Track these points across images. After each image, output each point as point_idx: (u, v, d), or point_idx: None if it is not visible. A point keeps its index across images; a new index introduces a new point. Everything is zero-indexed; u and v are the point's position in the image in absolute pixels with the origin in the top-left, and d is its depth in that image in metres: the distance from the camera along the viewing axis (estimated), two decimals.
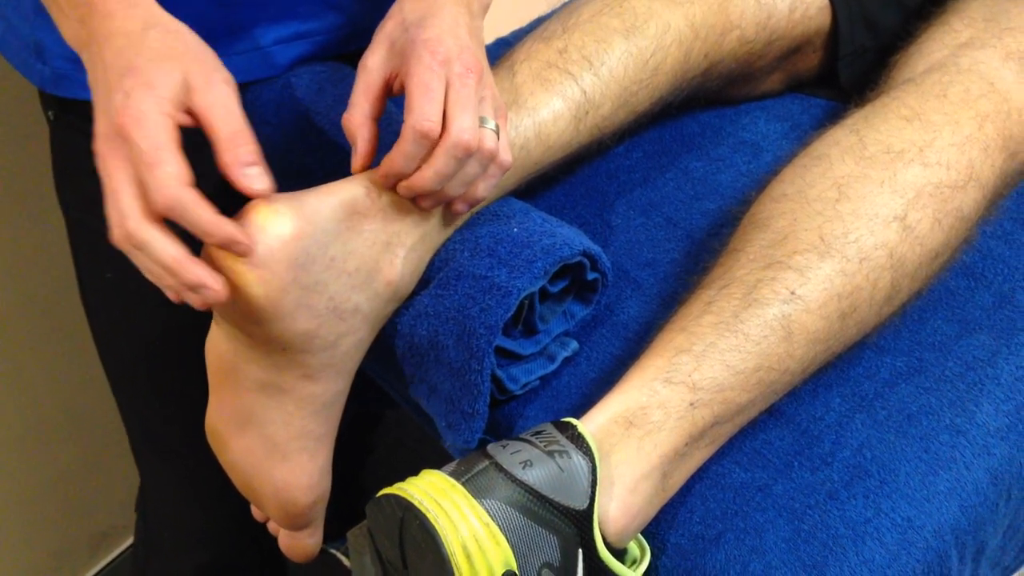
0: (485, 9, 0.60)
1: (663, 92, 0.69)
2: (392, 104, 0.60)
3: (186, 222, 0.48)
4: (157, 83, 0.49)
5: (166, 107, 0.48)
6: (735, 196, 0.72)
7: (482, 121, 0.54)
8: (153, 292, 0.51)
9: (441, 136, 0.53)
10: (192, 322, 0.59)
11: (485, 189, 0.57)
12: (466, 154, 0.53)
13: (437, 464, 0.52)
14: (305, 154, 0.68)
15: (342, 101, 0.58)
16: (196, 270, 0.48)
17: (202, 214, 0.48)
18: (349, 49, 0.74)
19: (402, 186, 0.55)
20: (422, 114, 0.52)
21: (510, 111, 0.62)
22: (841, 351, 0.60)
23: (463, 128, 0.53)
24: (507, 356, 0.60)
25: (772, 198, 0.62)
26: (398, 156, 0.54)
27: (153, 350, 0.76)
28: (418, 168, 0.54)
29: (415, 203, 0.56)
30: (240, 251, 0.50)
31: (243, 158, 0.49)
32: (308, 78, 0.71)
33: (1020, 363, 0.61)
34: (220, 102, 0.50)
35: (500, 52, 0.72)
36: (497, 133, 0.55)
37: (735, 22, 0.71)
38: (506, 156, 0.56)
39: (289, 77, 0.71)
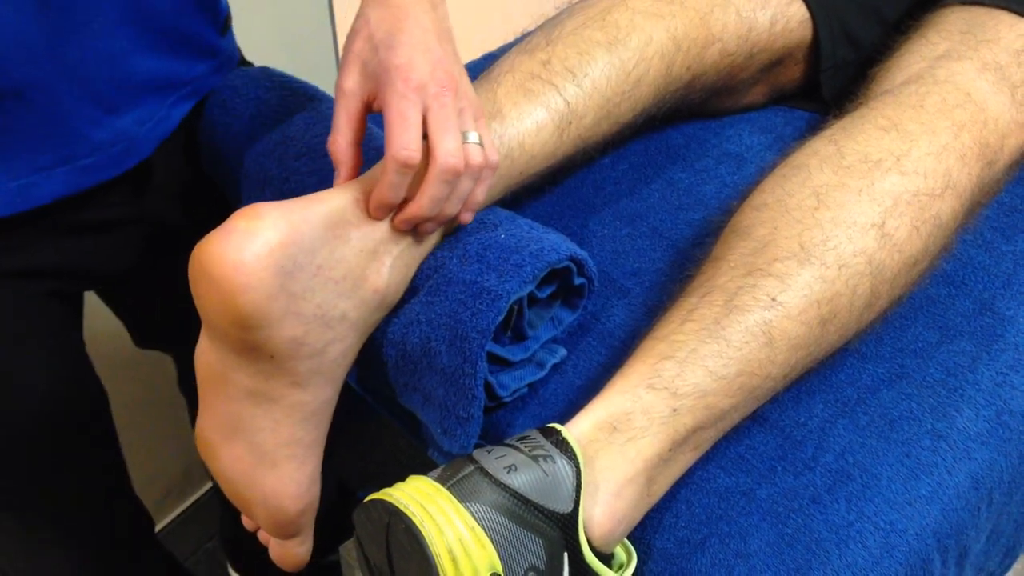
0: None
1: (646, 104, 0.70)
2: (371, 121, 0.61)
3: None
4: None
5: None
6: (719, 207, 0.72)
7: (464, 136, 0.56)
8: None
9: (429, 163, 0.54)
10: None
11: (482, 193, 0.59)
12: (455, 176, 0.55)
13: None
14: (289, 160, 0.69)
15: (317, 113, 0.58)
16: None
17: None
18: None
19: (399, 219, 0.56)
20: (400, 144, 0.54)
21: (493, 122, 0.63)
22: (823, 357, 0.61)
23: (448, 152, 0.54)
24: (497, 362, 0.60)
25: (753, 207, 0.63)
26: (385, 188, 0.55)
27: None
28: (407, 193, 0.55)
29: (417, 229, 0.58)
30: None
31: None
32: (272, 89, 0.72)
33: (1000, 369, 0.62)
34: None
35: (487, 66, 0.73)
36: (481, 143, 0.56)
37: (716, 35, 0.72)
38: (493, 157, 0.58)
39: (255, 91, 0.73)
